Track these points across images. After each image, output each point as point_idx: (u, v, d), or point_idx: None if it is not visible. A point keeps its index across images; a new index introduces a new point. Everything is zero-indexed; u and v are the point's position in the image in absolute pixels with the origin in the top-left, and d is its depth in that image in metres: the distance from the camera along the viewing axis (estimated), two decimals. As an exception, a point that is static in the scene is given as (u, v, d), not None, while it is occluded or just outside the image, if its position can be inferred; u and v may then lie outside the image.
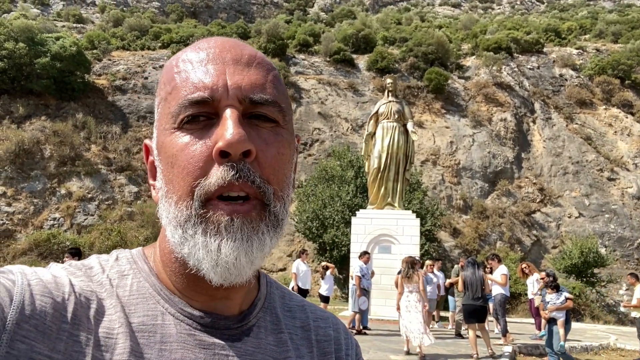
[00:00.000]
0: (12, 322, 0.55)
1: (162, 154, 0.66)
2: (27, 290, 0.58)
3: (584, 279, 21.98)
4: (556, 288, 7.98)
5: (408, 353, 8.08)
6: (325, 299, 10.80)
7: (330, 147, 25.99)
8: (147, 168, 0.73)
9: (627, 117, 30.70)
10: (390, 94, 13.72)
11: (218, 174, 0.61)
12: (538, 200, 27.64)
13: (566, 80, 33.61)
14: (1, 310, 0.55)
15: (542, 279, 9.15)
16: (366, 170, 14.03)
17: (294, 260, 22.67)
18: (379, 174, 13.05)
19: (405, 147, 13.18)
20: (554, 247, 25.85)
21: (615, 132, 30.37)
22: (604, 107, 31.60)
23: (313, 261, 21.91)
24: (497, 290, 9.10)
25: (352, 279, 10.13)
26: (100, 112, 25.96)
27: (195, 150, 0.62)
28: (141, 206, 21.95)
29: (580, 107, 31.81)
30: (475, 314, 8.20)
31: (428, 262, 10.73)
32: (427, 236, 20.13)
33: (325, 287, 10.79)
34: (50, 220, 21.03)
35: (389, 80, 14.07)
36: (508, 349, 8.99)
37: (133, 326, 0.63)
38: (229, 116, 0.61)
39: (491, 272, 9.63)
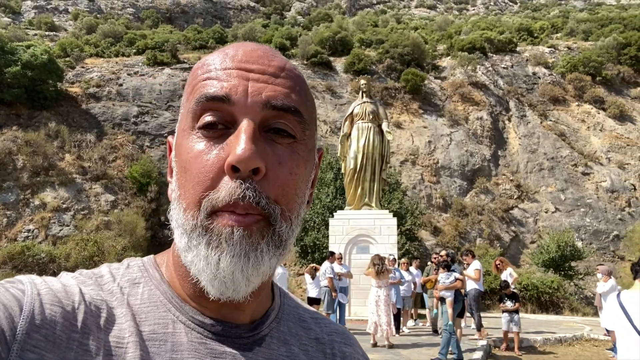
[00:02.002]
0: (22, 332, 0.55)
1: (178, 156, 0.66)
2: (36, 299, 0.58)
3: (562, 273, 22.35)
4: (447, 268, 8.14)
5: (375, 345, 8.38)
6: (315, 301, 10.66)
7: (309, 150, 25.99)
8: (169, 164, 0.72)
9: (599, 113, 31.41)
10: (364, 95, 13.79)
11: (227, 190, 0.60)
12: (515, 196, 28.07)
13: (539, 78, 34.27)
14: (11, 320, 0.55)
15: (467, 263, 9.53)
16: (343, 171, 14.06)
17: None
18: (356, 175, 13.10)
19: (381, 147, 13.26)
20: (532, 242, 26.25)
21: (588, 127, 31.05)
22: (577, 103, 32.28)
23: (295, 264, 21.85)
24: (471, 285, 9.26)
25: (322, 280, 10.13)
26: (74, 121, 25.52)
27: (208, 160, 0.61)
28: (118, 215, 21.61)
29: (553, 104, 32.46)
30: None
31: (402, 260, 10.80)
32: (408, 235, 20.24)
33: (315, 290, 10.61)
34: (25, 232, 20.56)
35: (362, 81, 14.15)
36: (483, 343, 9.14)
37: (144, 335, 0.62)
38: (244, 129, 0.60)
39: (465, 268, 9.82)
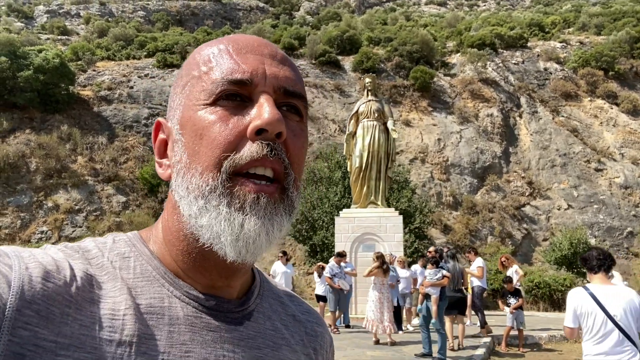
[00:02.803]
0: (12, 309, 0.53)
1: (187, 127, 0.66)
2: (25, 274, 0.56)
3: (575, 270, 22.10)
4: (436, 264, 8.13)
5: (377, 342, 8.43)
6: (322, 299, 10.89)
7: (318, 149, 26.02)
8: (154, 145, 0.73)
9: (612, 108, 30.94)
10: (369, 93, 13.77)
11: (252, 149, 0.62)
12: (527, 193, 27.79)
13: (551, 73, 33.86)
14: None
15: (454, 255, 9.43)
16: (348, 169, 14.07)
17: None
18: (361, 173, 13.10)
19: (386, 145, 13.24)
20: (545, 240, 25.97)
21: (601, 123, 30.60)
22: (589, 98, 31.84)
23: (304, 263, 21.90)
24: (474, 283, 9.22)
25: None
26: (86, 123, 25.87)
27: (229, 124, 0.63)
28: (130, 216, 21.86)
29: (565, 99, 32.05)
30: (456, 305, 8.36)
31: (399, 257, 10.80)
32: (417, 234, 20.15)
33: (322, 287, 10.91)
34: (38, 233, 20.92)
35: (368, 80, 14.13)
36: (486, 340, 9.11)
37: (141, 308, 0.62)
38: (266, 100, 0.64)
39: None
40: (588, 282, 3.90)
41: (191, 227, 0.64)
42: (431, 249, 9.70)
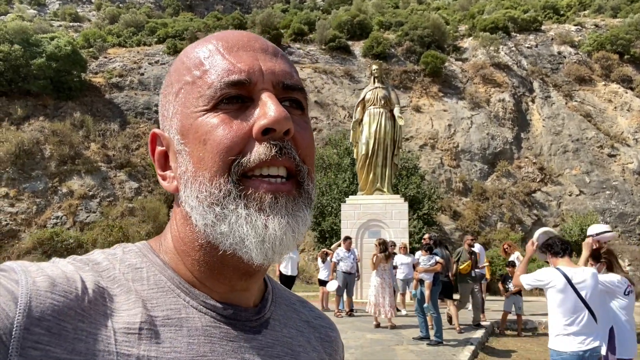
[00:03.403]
0: (19, 328, 0.50)
1: (189, 136, 0.63)
2: (33, 289, 0.53)
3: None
4: (429, 251, 8.33)
5: (378, 326, 8.69)
6: (325, 283, 11.19)
7: (328, 136, 26.06)
8: (153, 159, 0.71)
9: (626, 93, 30.41)
10: (376, 80, 13.77)
11: (260, 150, 0.60)
12: (538, 179, 27.60)
13: (565, 57, 33.30)
14: (5, 315, 0.50)
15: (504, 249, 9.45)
16: (355, 156, 14.15)
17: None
18: (367, 160, 13.18)
19: (393, 132, 13.27)
20: (555, 226, 25.84)
21: (615, 107, 30.12)
22: (603, 83, 31.31)
23: (314, 249, 22.14)
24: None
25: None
26: (98, 110, 26.20)
27: (233, 127, 0.61)
28: (142, 202, 22.23)
29: (579, 84, 31.55)
30: (443, 290, 8.60)
31: (402, 243, 10.96)
32: (426, 220, 20.23)
33: (325, 272, 11.19)
34: (53, 218, 21.40)
35: (374, 67, 14.11)
36: (485, 324, 9.28)
37: (157, 320, 0.60)
38: (269, 97, 0.62)
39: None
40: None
41: (208, 236, 0.62)
42: (426, 236, 9.87)
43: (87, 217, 21.85)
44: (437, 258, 8.14)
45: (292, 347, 0.71)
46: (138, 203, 22.18)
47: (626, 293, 4.28)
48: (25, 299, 0.52)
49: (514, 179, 27.50)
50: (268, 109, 0.60)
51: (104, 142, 24.59)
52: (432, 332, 7.78)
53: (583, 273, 3.85)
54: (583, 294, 3.74)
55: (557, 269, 3.88)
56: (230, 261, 0.63)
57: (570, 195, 27.01)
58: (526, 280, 4.01)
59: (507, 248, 9.99)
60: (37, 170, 22.53)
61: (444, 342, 7.64)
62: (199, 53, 0.66)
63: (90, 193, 22.65)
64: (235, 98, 0.63)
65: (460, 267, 9.44)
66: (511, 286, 9.19)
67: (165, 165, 0.69)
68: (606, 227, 4.09)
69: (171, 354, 0.59)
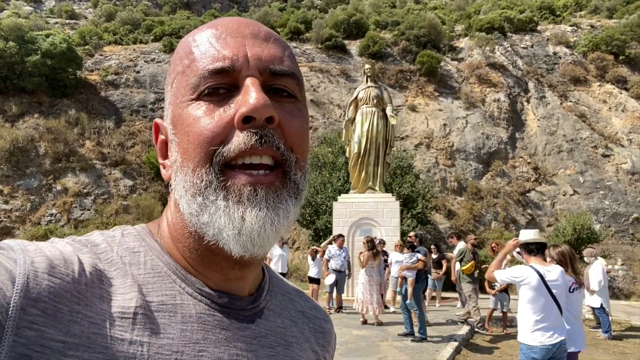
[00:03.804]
0: (16, 308, 0.51)
1: (178, 126, 0.64)
2: (31, 269, 0.53)
3: (578, 256, 22.12)
4: (412, 248, 8.48)
5: (365, 322, 8.79)
6: (315, 281, 11.29)
7: (323, 134, 26.13)
8: (156, 148, 0.71)
9: (621, 93, 30.57)
10: (369, 79, 13.83)
11: (240, 139, 0.59)
12: (532, 179, 27.73)
13: (560, 58, 33.44)
14: (2, 295, 0.51)
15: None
16: (347, 155, 14.21)
17: (290, 248, 23.04)
18: (360, 159, 13.24)
19: (385, 131, 13.34)
20: (549, 225, 25.98)
21: (610, 108, 30.27)
22: (598, 83, 31.45)
23: (308, 247, 22.20)
24: (457, 266, 9.49)
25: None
26: (94, 108, 26.18)
27: (214, 117, 0.61)
28: (136, 199, 22.25)
29: (574, 84, 31.69)
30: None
31: (397, 242, 11.03)
32: (419, 219, 20.30)
33: (315, 270, 11.28)
34: (48, 216, 21.39)
35: (367, 66, 14.18)
36: (472, 319, 9.37)
37: (152, 306, 0.60)
38: (251, 84, 0.61)
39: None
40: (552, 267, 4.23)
41: (194, 225, 0.62)
42: (411, 234, 9.93)
43: (82, 214, 21.86)
44: (419, 255, 8.25)
45: (285, 338, 0.71)
46: (132, 201, 22.20)
47: (571, 290, 4.52)
48: (23, 279, 0.52)
49: (508, 179, 27.63)
50: (249, 96, 0.59)
51: (99, 140, 24.59)
52: (416, 329, 7.87)
53: (554, 271, 4.05)
54: (554, 291, 3.94)
55: (531, 266, 4.06)
56: (218, 251, 0.62)
57: (564, 195, 27.15)
58: (500, 276, 4.18)
59: (494, 247, 10.07)
60: (32, 168, 22.52)
61: (428, 339, 7.73)
62: (190, 42, 0.66)
63: (85, 190, 22.66)
64: (219, 88, 0.62)
65: (464, 268, 9.26)
66: (498, 284, 9.26)
67: (166, 154, 0.69)
68: (532, 236, 4.27)
69: (164, 339, 0.59)
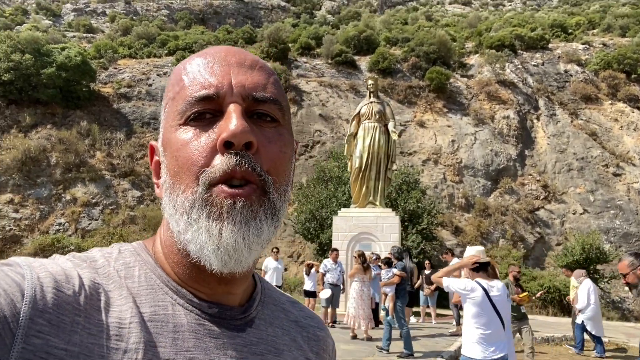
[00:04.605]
0: (25, 318, 0.55)
1: (167, 149, 0.68)
2: (37, 284, 0.58)
3: (587, 276, 21.78)
4: (388, 264, 8.54)
5: (355, 337, 8.79)
6: (310, 294, 11.33)
7: (331, 148, 26.23)
8: (151, 168, 0.75)
9: (633, 112, 30.27)
10: (372, 95, 13.93)
11: (223, 162, 0.63)
12: (542, 197, 27.44)
13: (571, 75, 33.29)
14: (13, 305, 0.55)
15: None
16: (349, 170, 14.26)
17: (295, 262, 23.02)
18: (360, 174, 13.29)
19: (387, 146, 13.38)
20: (558, 244, 25.62)
21: (621, 127, 29.96)
22: (610, 102, 31.21)
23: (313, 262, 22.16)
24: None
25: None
26: (105, 120, 26.66)
27: (200, 142, 0.65)
28: (143, 210, 22.48)
29: (585, 102, 31.47)
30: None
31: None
32: (425, 235, 20.16)
33: (310, 283, 11.36)
34: (56, 225, 21.70)
35: (370, 82, 14.28)
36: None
37: (145, 316, 0.64)
38: (233, 110, 0.65)
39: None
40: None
41: (181, 242, 0.66)
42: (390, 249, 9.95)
43: (89, 224, 22.13)
44: (394, 270, 8.30)
45: (276, 346, 0.74)
46: (140, 211, 22.43)
47: None
48: (31, 292, 0.57)
49: (517, 196, 27.38)
50: (230, 122, 0.64)
51: (109, 151, 24.98)
52: (394, 344, 7.83)
53: (497, 286, 4.24)
54: (498, 306, 4.09)
55: (476, 281, 4.22)
56: (203, 267, 0.65)
57: (574, 214, 26.80)
58: (448, 283, 4.29)
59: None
60: (43, 177, 22.92)
61: (415, 355, 7.65)
62: (181, 70, 0.71)
63: (94, 200, 22.96)
64: (204, 113, 0.66)
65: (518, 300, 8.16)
66: None
67: (160, 175, 0.73)
68: (475, 252, 4.39)
69: (156, 348, 0.62)
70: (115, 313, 0.62)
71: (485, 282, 4.20)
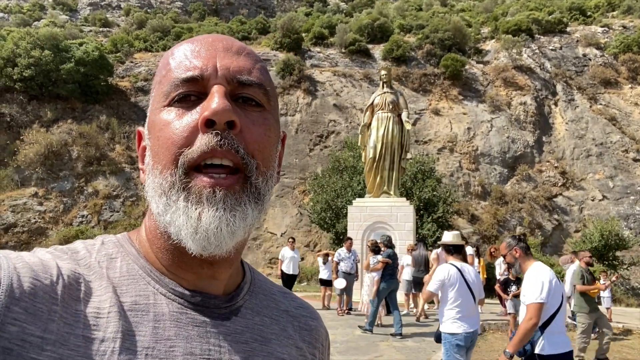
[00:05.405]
0: (1, 306, 0.55)
1: (151, 131, 0.68)
2: (14, 273, 0.58)
3: (606, 262, 21.62)
4: (375, 252, 9.21)
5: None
6: (326, 283, 11.62)
7: (346, 138, 26.30)
8: (138, 153, 0.76)
9: (654, 95, 29.66)
10: (385, 85, 13.98)
11: (202, 141, 0.63)
12: (560, 184, 27.17)
13: (590, 59, 32.66)
14: None
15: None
16: (363, 160, 14.38)
17: (311, 251, 23.29)
18: (375, 164, 13.40)
19: (400, 136, 13.45)
20: (577, 231, 25.42)
21: (642, 111, 29.41)
22: (630, 86, 30.59)
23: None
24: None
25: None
26: (124, 113, 27.13)
27: (182, 122, 0.65)
28: (163, 202, 22.93)
29: (604, 87, 30.90)
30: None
31: (409, 245, 11.22)
32: (440, 223, 20.20)
33: (325, 272, 11.65)
34: (79, 217, 22.30)
35: (383, 72, 14.32)
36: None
37: (125, 306, 0.64)
38: (216, 91, 0.65)
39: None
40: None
41: (162, 225, 0.66)
42: (378, 240, 10.31)
43: (111, 216, 22.68)
44: (379, 257, 8.96)
45: (262, 334, 0.73)
46: (159, 203, 22.87)
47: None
48: (7, 280, 0.57)
49: (534, 183, 27.16)
50: (212, 101, 0.63)
51: (128, 144, 25.46)
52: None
53: (469, 268, 4.72)
54: (470, 285, 4.55)
55: (451, 263, 4.67)
56: (185, 250, 0.65)
57: (592, 200, 26.51)
58: (433, 287, 4.68)
59: (493, 252, 10.05)
60: (65, 171, 23.51)
61: (374, 332, 8.34)
62: (169, 55, 0.71)
63: (114, 193, 23.50)
64: (189, 95, 0.66)
65: (582, 289, 7.68)
66: (514, 288, 9.26)
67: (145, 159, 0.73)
68: (451, 238, 4.76)
69: (135, 337, 0.62)
70: (94, 303, 0.62)
71: (458, 263, 4.66)
